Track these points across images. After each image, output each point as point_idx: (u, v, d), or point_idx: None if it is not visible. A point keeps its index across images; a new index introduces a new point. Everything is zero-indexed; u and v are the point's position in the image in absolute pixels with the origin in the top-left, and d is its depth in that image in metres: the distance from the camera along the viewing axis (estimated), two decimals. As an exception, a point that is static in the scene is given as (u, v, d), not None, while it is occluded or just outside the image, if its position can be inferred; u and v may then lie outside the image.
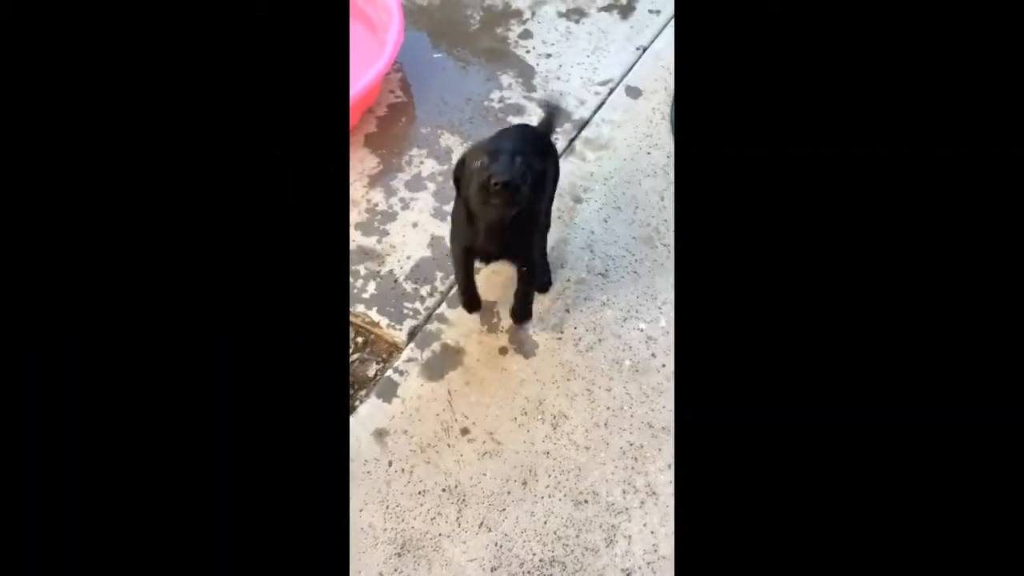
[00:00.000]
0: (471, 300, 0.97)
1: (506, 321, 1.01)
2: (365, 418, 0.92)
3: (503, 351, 0.98)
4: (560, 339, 0.99)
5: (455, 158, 1.17)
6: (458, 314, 1.01)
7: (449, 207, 1.12)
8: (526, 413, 0.93)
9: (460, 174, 0.85)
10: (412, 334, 1.00)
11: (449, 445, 0.90)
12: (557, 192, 1.14)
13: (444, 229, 1.09)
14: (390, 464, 0.89)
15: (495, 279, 1.04)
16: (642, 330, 1.00)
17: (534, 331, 1.00)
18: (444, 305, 1.02)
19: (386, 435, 0.91)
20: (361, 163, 1.15)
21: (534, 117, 1.23)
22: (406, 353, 0.98)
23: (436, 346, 0.98)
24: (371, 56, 1.18)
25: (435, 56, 1.28)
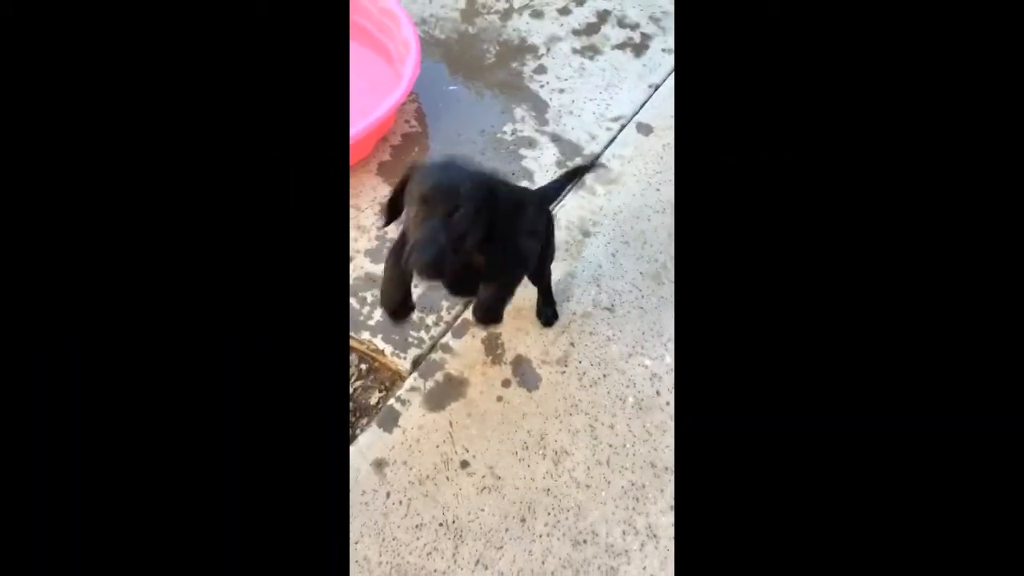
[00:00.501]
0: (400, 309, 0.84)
1: (510, 352, 1.00)
2: (365, 448, 0.91)
3: (506, 383, 0.97)
4: (564, 373, 0.98)
5: (466, 188, 1.18)
6: (463, 344, 1.00)
7: (458, 237, 1.12)
8: (527, 448, 0.91)
9: (399, 197, 0.76)
10: (416, 363, 0.99)
11: (448, 478, 0.88)
12: (565, 225, 1.14)
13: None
14: (388, 496, 0.87)
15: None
16: (647, 367, 0.98)
17: (538, 364, 0.99)
18: (449, 335, 1.01)
19: (385, 466, 0.90)
20: (374, 191, 1.16)
21: (546, 150, 1.24)
22: (409, 382, 0.97)
23: (439, 376, 0.97)
24: (387, 86, 1.20)
25: (450, 88, 1.30)
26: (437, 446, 0.92)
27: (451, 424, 0.93)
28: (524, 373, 0.98)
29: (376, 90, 1.22)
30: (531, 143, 1.24)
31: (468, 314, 1.03)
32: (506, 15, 1.42)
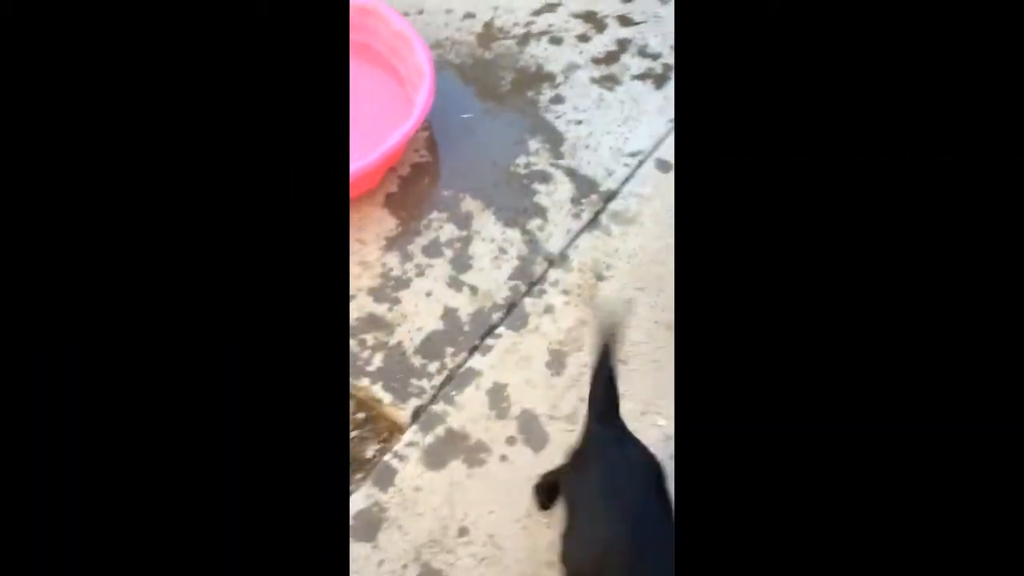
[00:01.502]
0: None
1: (516, 407, 0.93)
2: (358, 507, 0.84)
3: (511, 441, 0.91)
4: (572, 431, 0.91)
5: (476, 224, 1.11)
6: (466, 396, 0.94)
7: (466, 276, 1.06)
8: (531, 516, 0.85)
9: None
10: (416, 415, 0.92)
11: (445, 548, 0.82)
12: (577, 267, 1.08)
13: (459, 300, 1.03)
14: (380, 564, 0.81)
15: (508, 359, 0.97)
16: (660, 427, 0.92)
17: (546, 421, 0.92)
18: (452, 384, 0.95)
19: (379, 530, 0.83)
20: (379, 224, 1.09)
21: (561, 185, 1.18)
22: (408, 435, 0.90)
23: (440, 430, 0.91)
24: (398, 113, 1.14)
25: (463, 116, 1.24)
26: (435, 509, 0.85)
27: (450, 485, 0.87)
28: (531, 430, 0.92)
29: (386, 116, 1.16)
30: (545, 177, 1.18)
31: (472, 362, 0.97)
32: (523, 40, 1.36)
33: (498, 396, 0.94)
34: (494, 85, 1.31)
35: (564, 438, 0.91)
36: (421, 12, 1.35)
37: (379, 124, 1.15)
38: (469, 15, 1.37)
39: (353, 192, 1.09)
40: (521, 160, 1.21)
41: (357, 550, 0.81)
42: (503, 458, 0.89)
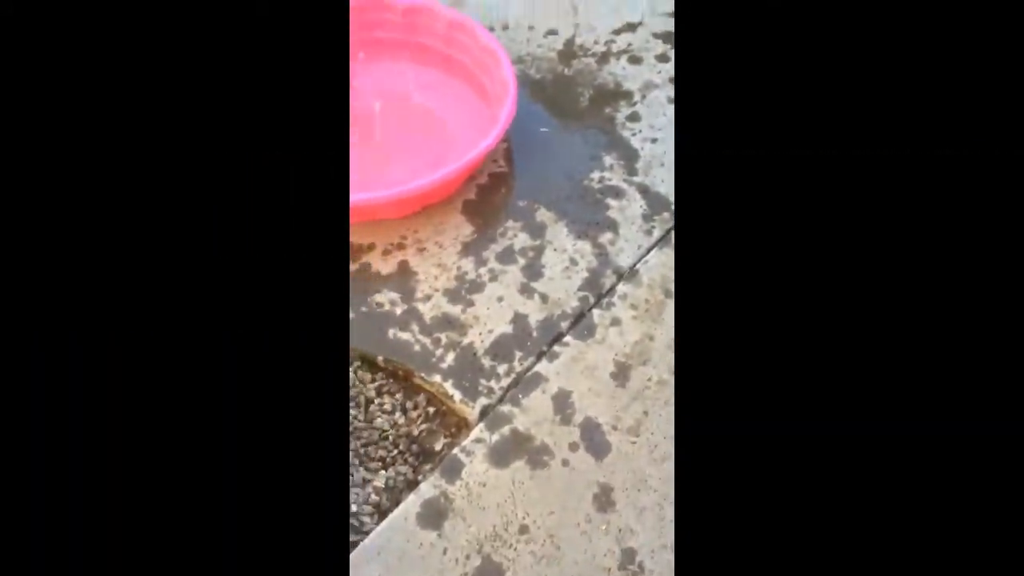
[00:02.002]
0: None
1: (580, 414, 0.96)
2: (425, 496, 0.89)
3: (573, 447, 0.93)
4: (635, 443, 0.93)
5: (548, 234, 1.14)
6: (532, 400, 0.97)
7: (537, 284, 1.09)
8: (590, 521, 0.87)
9: None
10: (483, 413, 0.96)
11: (507, 543, 0.85)
12: (647, 283, 1.09)
13: (529, 307, 1.06)
14: (445, 552, 0.85)
15: (574, 367, 0.99)
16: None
17: (608, 430, 0.94)
18: (520, 387, 0.98)
19: (444, 519, 0.87)
20: (457, 229, 1.14)
21: (633, 202, 1.19)
22: (475, 432, 0.94)
23: (506, 430, 0.94)
24: (481, 125, 1.19)
25: (541, 130, 1.28)
26: (498, 505, 0.88)
27: (513, 483, 0.90)
28: (593, 438, 0.94)
29: (469, 128, 1.21)
30: (618, 193, 1.20)
31: (539, 367, 1.00)
32: (603, 58, 1.39)
33: (563, 402, 0.97)
34: (572, 101, 1.34)
35: (626, 449, 0.93)
36: (506, 28, 1.40)
37: (462, 134, 1.21)
38: (551, 32, 1.41)
39: (434, 198, 1.14)
40: (595, 175, 1.23)
41: (424, 537, 0.85)
42: (565, 463, 0.91)
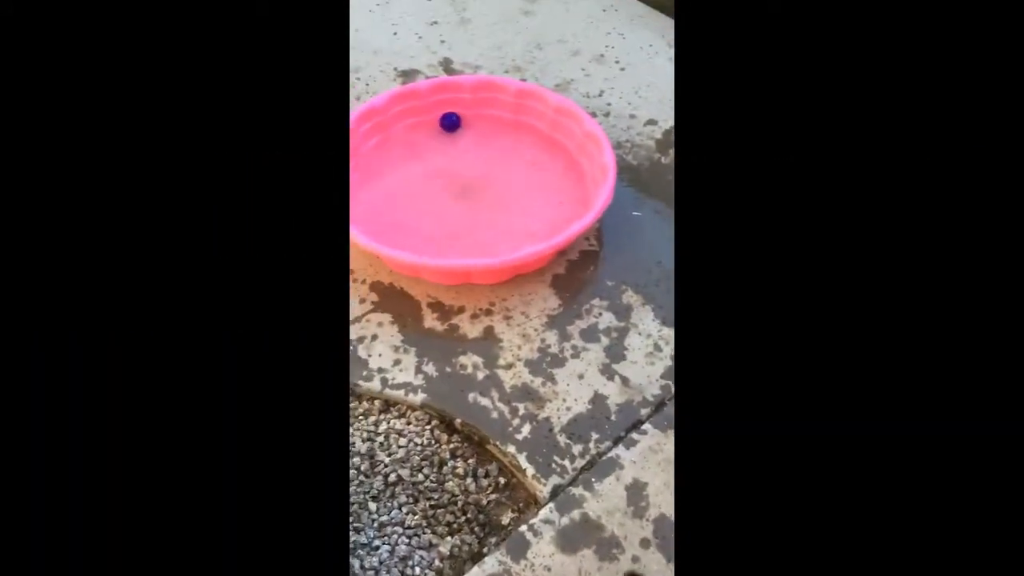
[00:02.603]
0: None
1: (655, 509, 0.92)
2: (491, 571, 0.87)
3: (645, 543, 0.89)
4: (710, 549, 0.88)
5: (634, 317, 1.15)
6: (605, 486, 0.94)
7: (619, 366, 1.09)
8: (658, 628, 0.82)
9: None
10: (555, 493, 0.95)
11: (569, 637, 0.82)
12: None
13: (610, 388, 1.06)
14: (504, 635, 0.82)
15: (652, 457, 0.97)
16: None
17: (683, 530, 0.90)
18: (593, 471, 0.96)
19: (507, 600, 0.85)
20: (544, 302, 1.16)
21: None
22: (544, 512, 0.92)
23: (576, 514, 0.92)
24: (577, 206, 1.23)
25: (635, 214, 1.30)
26: (562, 593, 0.85)
27: (580, 572, 0.87)
28: (666, 537, 0.90)
29: (565, 206, 1.25)
30: (707, 283, 1.20)
31: (615, 452, 0.98)
32: (700, 150, 1.42)
33: (637, 493, 0.94)
34: (667, 189, 1.37)
35: (699, 553, 0.88)
36: (607, 115, 1.46)
37: (558, 213, 1.25)
38: (651, 122, 1.46)
39: (525, 269, 1.18)
40: (684, 263, 1.24)
41: (483, 615, 0.83)
42: (635, 559, 0.88)
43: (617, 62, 1.55)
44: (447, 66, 1.52)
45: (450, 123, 1.32)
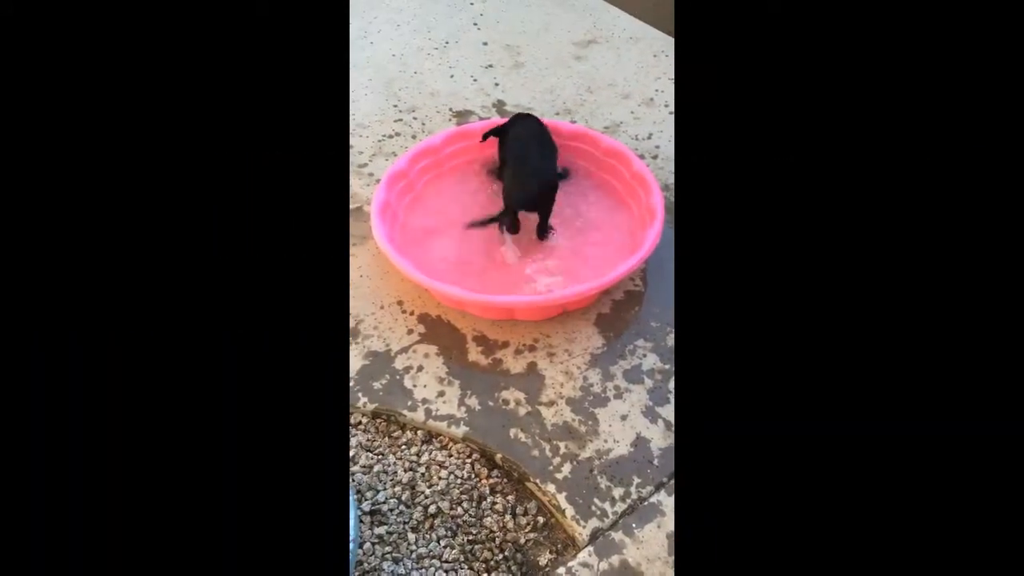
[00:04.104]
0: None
1: (696, 560, 0.89)
2: (526, 613, 0.85)
3: (686, 595, 0.86)
4: (755, 607, 0.84)
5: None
6: (646, 532, 0.92)
7: (662, 409, 1.07)
8: None
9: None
10: (594, 537, 0.93)
11: None
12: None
13: (653, 432, 1.04)
14: None
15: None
16: None
17: (726, 585, 0.87)
18: (634, 516, 0.94)
19: (543, 644, 0.83)
20: (588, 340, 1.16)
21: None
22: (582, 556, 0.91)
23: (615, 560, 0.90)
24: (623, 248, 1.23)
25: (681, 256, 1.30)
26: (599, 642, 0.83)
27: (618, 622, 0.85)
28: (709, 591, 0.87)
29: (612, 246, 1.26)
30: (754, 329, 1.17)
31: (657, 498, 0.96)
32: (749, 194, 1.41)
33: (678, 542, 0.91)
34: (714, 231, 1.36)
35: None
36: (656, 157, 1.47)
37: (604, 252, 1.26)
38: (699, 165, 1.46)
39: (571, 307, 1.18)
40: (731, 307, 1.22)
41: (518, 658, 0.81)
42: (676, 611, 0.85)
43: (666, 106, 1.57)
44: (500, 108, 1.57)
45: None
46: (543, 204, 1.22)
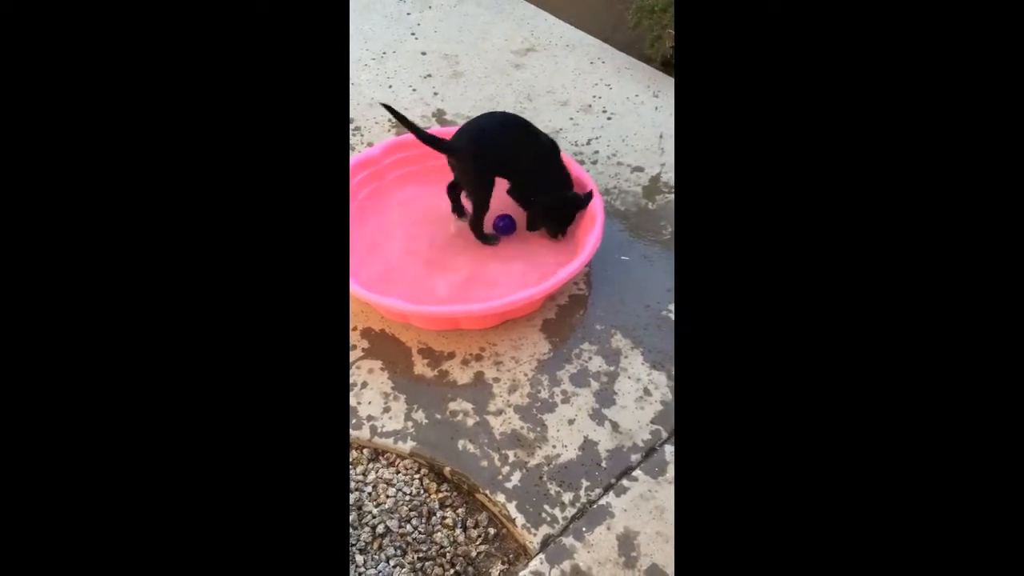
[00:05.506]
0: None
1: (646, 559, 0.89)
2: (478, 628, 0.84)
3: (637, 596, 0.87)
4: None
5: (623, 361, 1.14)
6: (596, 536, 0.92)
7: (609, 411, 1.08)
8: None
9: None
10: (545, 544, 0.92)
11: None
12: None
13: (600, 434, 1.04)
14: None
15: (643, 505, 0.94)
16: None
17: (675, 582, 0.87)
18: (584, 520, 0.94)
19: (495, 658, 0.82)
20: (534, 346, 1.16)
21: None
22: (534, 564, 0.90)
23: (567, 566, 0.89)
24: (566, 251, 1.24)
25: (623, 258, 1.31)
26: (552, 651, 0.82)
27: (571, 628, 0.84)
28: (658, 589, 0.87)
29: (553, 251, 1.26)
30: (695, 326, 1.20)
31: (606, 500, 0.96)
32: (686, 195, 1.44)
33: (628, 543, 0.91)
34: (654, 233, 1.38)
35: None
36: (595, 163, 1.49)
37: (546, 258, 1.26)
38: (638, 169, 1.49)
39: (515, 315, 1.18)
40: (671, 307, 1.24)
41: (471, 675, 0.80)
42: (627, 613, 0.85)
43: (604, 111, 1.59)
44: (440, 117, 1.56)
45: (504, 226, 1.29)
46: (481, 167, 1.22)
